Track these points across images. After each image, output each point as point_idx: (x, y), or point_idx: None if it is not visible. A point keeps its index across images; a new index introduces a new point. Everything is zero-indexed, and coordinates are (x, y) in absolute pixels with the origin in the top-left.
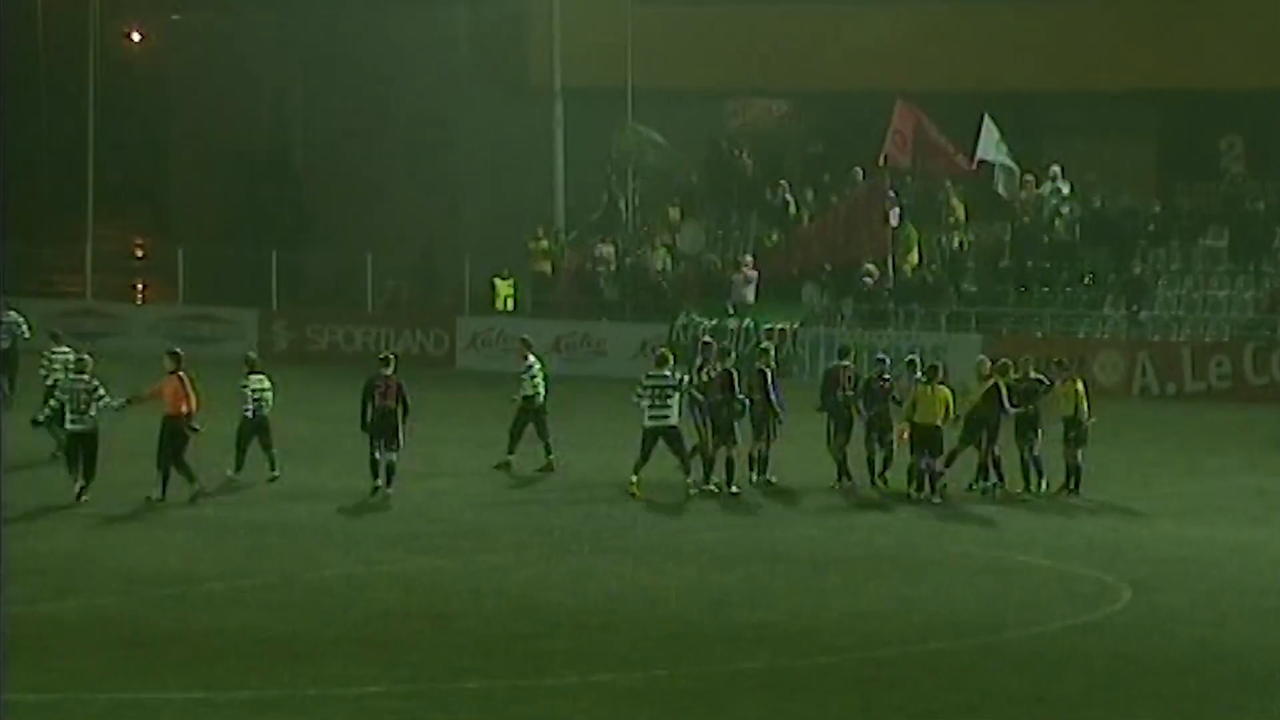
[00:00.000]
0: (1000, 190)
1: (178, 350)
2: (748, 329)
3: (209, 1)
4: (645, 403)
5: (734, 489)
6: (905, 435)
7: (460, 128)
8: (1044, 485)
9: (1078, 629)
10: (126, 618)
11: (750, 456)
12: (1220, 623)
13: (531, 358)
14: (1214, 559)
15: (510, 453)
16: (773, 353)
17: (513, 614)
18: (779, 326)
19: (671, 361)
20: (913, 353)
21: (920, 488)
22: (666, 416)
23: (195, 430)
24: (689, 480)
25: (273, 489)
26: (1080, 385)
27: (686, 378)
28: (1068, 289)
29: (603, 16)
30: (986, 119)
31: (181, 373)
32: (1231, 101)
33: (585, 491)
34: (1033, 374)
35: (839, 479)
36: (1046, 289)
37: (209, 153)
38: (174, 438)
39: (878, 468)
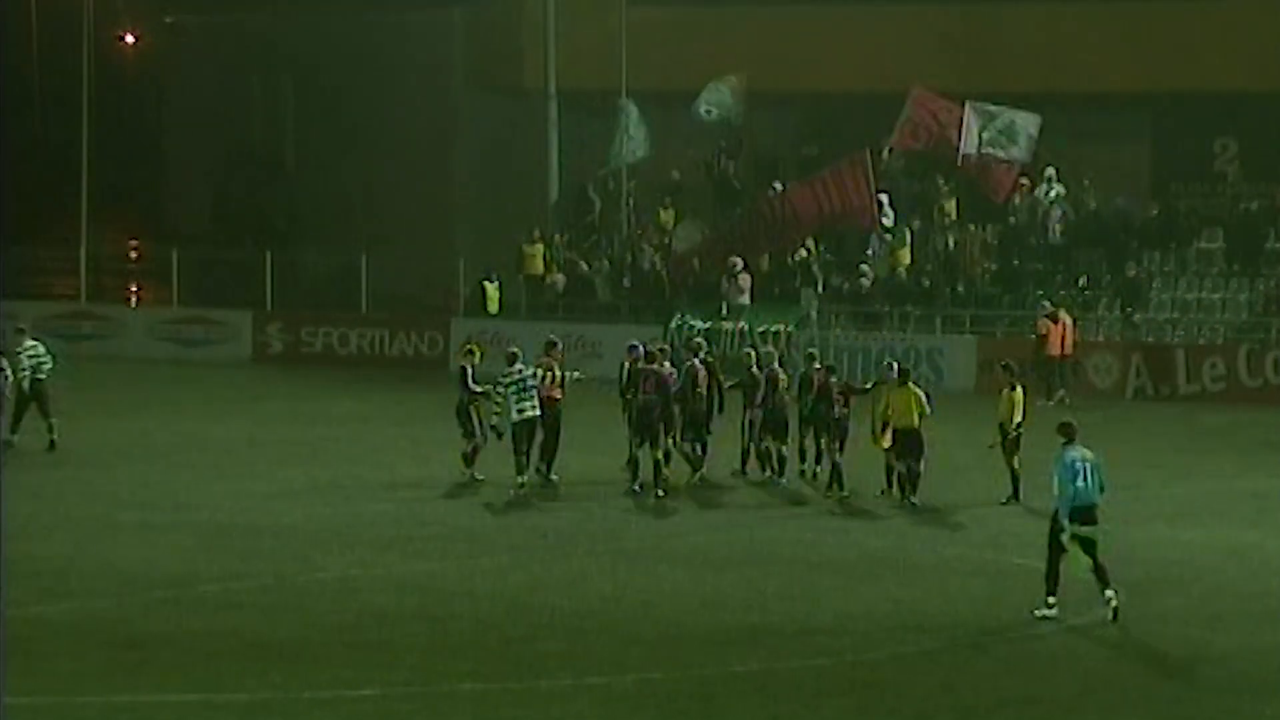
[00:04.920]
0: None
1: (554, 339)
2: (741, 331)
3: (202, 4)
4: (511, 399)
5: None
6: (884, 437)
7: (454, 129)
8: (843, 493)
9: (1071, 631)
10: (120, 620)
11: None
12: (1214, 625)
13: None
14: (1208, 562)
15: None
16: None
17: (507, 616)
18: (773, 329)
19: (521, 357)
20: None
21: (903, 491)
22: (533, 408)
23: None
24: (524, 479)
25: (268, 490)
26: (1020, 391)
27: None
28: (1062, 291)
29: (597, 18)
30: (968, 111)
31: (555, 359)
32: (1225, 104)
33: (579, 494)
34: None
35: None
36: (1041, 291)
37: (203, 155)
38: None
39: (810, 463)
